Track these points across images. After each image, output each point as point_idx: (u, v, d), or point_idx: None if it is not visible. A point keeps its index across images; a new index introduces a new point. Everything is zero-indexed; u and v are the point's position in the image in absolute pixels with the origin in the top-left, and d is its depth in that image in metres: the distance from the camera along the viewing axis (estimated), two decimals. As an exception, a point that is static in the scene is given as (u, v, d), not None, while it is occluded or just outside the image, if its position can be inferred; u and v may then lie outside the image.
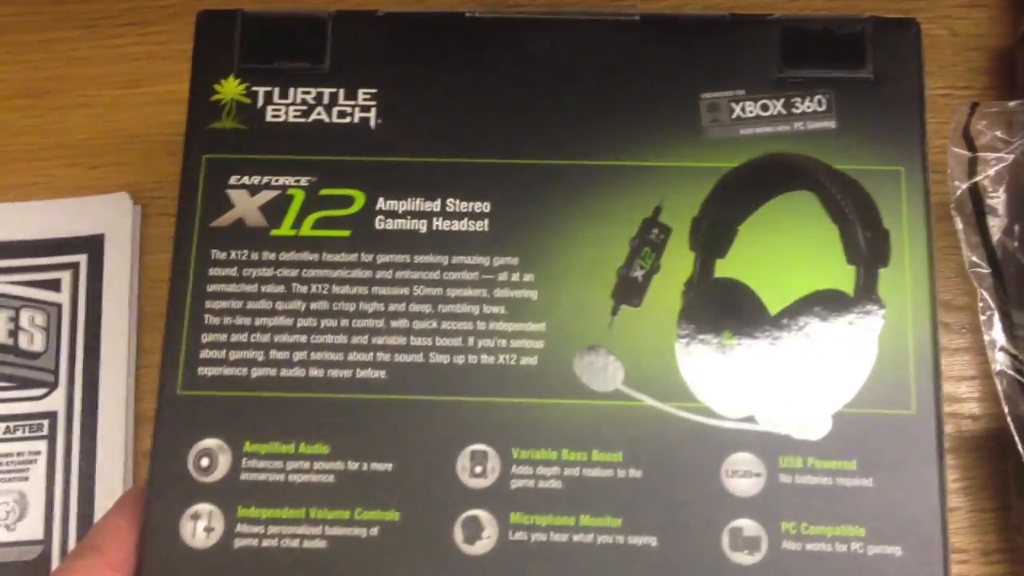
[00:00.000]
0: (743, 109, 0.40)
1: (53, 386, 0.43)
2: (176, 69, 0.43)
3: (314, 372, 0.39)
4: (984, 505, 0.45)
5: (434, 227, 0.40)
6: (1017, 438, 0.42)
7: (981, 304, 0.44)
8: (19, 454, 0.43)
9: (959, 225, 0.45)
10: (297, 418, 0.38)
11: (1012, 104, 0.45)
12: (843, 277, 0.39)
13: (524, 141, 0.40)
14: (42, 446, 0.43)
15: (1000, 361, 0.43)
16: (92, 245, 0.45)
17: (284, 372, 0.39)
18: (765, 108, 0.40)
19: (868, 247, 0.39)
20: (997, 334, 0.43)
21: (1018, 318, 0.43)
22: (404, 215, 0.40)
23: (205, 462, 0.38)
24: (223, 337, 0.39)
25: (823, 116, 0.40)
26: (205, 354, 0.39)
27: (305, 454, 0.38)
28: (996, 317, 0.43)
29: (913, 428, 0.37)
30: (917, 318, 0.38)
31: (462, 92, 0.41)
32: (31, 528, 0.42)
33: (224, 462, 0.38)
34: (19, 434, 0.43)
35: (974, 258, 0.45)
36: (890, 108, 0.40)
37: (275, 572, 0.37)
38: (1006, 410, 0.42)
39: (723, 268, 0.39)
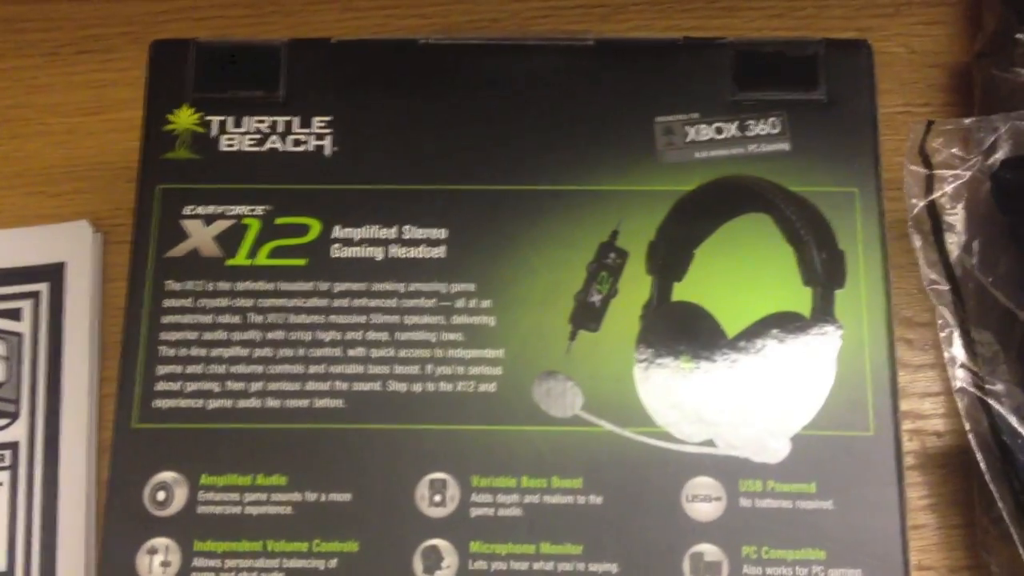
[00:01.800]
0: (698, 132, 0.40)
1: (15, 416, 0.43)
2: (137, 96, 0.42)
3: (271, 403, 0.38)
4: (951, 522, 0.45)
5: (391, 254, 0.40)
6: (979, 455, 0.42)
7: (940, 321, 0.44)
8: (-21, 485, 0.42)
9: (917, 243, 0.45)
10: (254, 449, 0.38)
11: (967, 121, 0.45)
12: (799, 299, 0.39)
13: (480, 167, 0.40)
14: (3, 477, 0.43)
15: (960, 378, 0.43)
16: (53, 274, 0.45)
17: (241, 403, 0.38)
18: (719, 131, 0.40)
19: (824, 268, 0.39)
20: (957, 351, 0.43)
21: (977, 335, 0.44)
22: (360, 243, 0.40)
23: (161, 496, 0.37)
24: (179, 369, 0.39)
25: (777, 138, 0.40)
26: (161, 386, 0.38)
27: (262, 486, 0.37)
28: (956, 334, 0.44)
29: (872, 449, 0.37)
30: (874, 338, 0.39)
31: (417, 119, 0.41)
32: (-7, 559, 0.42)
33: (180, 495, 0.37)
34: (-20, 465, 0.43)
35: (932, 275, 0.45)
36: (843, 129, 0.40)
37: (232, 606, 0.36)
38: (967, 427, 0.42)
39: (680, 291, 0.39)
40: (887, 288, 0.39)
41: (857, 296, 0.39)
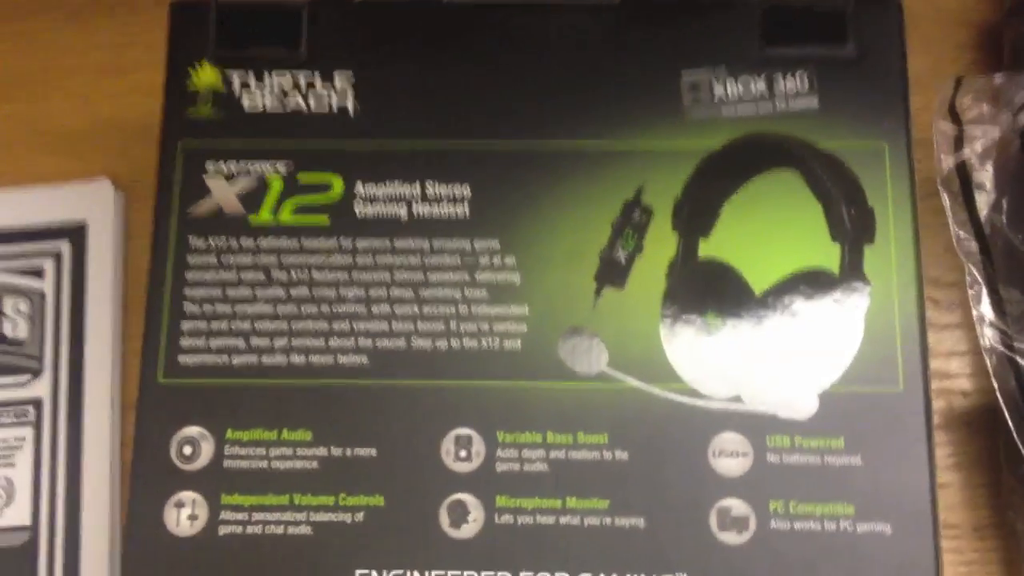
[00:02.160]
0: (725, 88, 0.40)
1: (38, 373, 0.43)
2: (157, 58, 0.42)
3: (296, 359, 0.38)
4: (976, 481, 0.45)
5: (414, 212, 0.40)
6: (1006, 413, 0.41)
7: (969, 279, 0.43)
8: (4, 440, 0.43)
9: (946, 201, 0.45)
10: (279, 405, 0.38)
11: (997, 78, 0.44)
12: (828, 256, 0.38)
13: (504, 124, 0.40)
14: (28, 432, 0.43)
15: (989, 336, 0.43)
16: (75, 232, 0.45)
17: (265, 359, 0.38)
18: (747, 87, 0.40)
19: (853, 225, 0.39)
20: (985, 309, 0.43)
21: (1006, 293, 0.43)
22: (384, 200, 0.40)
23: (188, 450, 0.37)
24: (203, 325, 0.39)
25: (805, 95, 0.40)
26: (186, 342, 0.38)
27: (288, 441, 0.37)
28: (984, 292, 0.43)
29: (901, 405, 0.37)
30: (903, 295, 0.38)
31: (440, 77, 0.41)
32: (18, 514, 0.42)
33: (207, 450, 0.37)
34: (4, 420, 0.43)
35: (962, 234, 0.44)
36: (873, 85, 0.40)
37: (260, 558, 0.36)
38: (995, 385, 0.42)
39: (707, 248, 0.39)
40: (916, 244, 0.39)
41: (886, 252, 0.38)
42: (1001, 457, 0.44)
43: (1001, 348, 0.42)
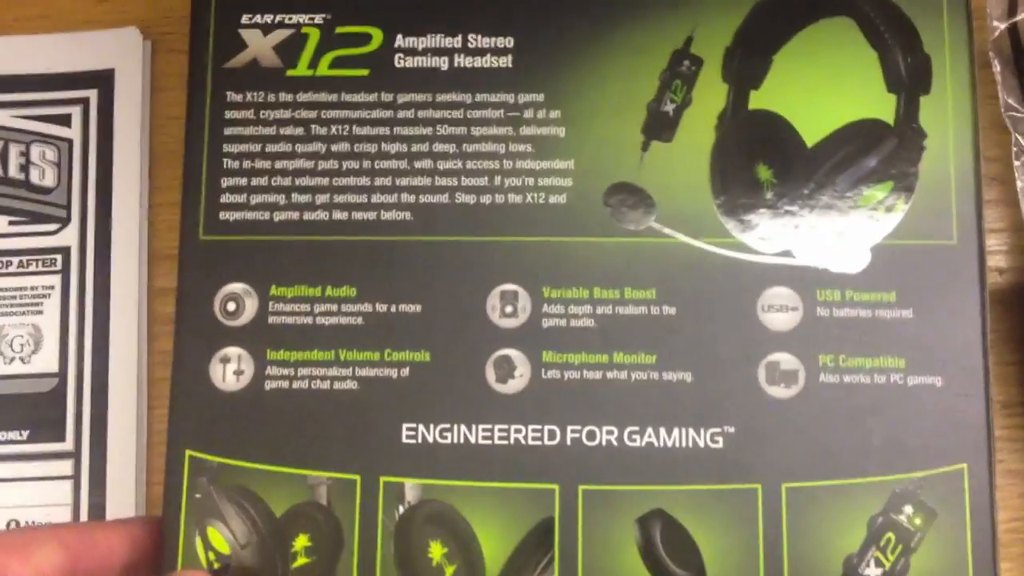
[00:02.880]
0: (779, -69, 0.38)
1: (66, 222, 0.43)
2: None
3: (338, 215, 0.38)
4: (1007, 358, 0.44)
5: (455, 64, 0.38)
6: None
7: (1015, 149, 0.42)
8: (33, 288, 0.42)
9: (996, 68, 0.43)
10: (323, 261, 0.37)
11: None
12: (883, 106, 0.37)
13: (549, -29, 0.39)
14: (55, 280, 0.43)
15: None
16: (102, 80, 0.44)
17: (307, 215, 0.38)
18: (802, -71, 0.38)
19: (909, 74, 0.37)
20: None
21: (1051, 162, 0.42)
22: (424, 52, 0.38)
23: (232, 306, 0.37)
24: (243, 181, 0.38)
25: (863, -64, 0.38)
26: (226, 198, 0.38)
27: (332, 297, 0.37)
28: (1030, 162, 0.42)
29: (954, 258, 0.36)
30: (959, 147, 0.37)
31: (483, -80, 0.39)
32: (46, 361, 0.42)
33: (251, 306, 0.37)
34: (32, 268, 0.42)
35: (1010, 100, 0.43)
36: (933, -73, 0.38)
37: (307, 413, 0.36)
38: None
39: (757, 100, 0.38)
40: (974, 94, 0.37)
41: (943, 102, 0.37)
42: (1034, 333, 0.44)
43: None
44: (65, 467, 0.43)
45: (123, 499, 0.42)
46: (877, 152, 0.37)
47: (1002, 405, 0.44)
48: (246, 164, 0.38)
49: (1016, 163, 0.43)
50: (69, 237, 0.43)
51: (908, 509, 0.35)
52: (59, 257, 0.43)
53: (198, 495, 0.36)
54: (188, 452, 0.36)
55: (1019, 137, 0.43)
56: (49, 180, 0.43)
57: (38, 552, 0.33)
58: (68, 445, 0.43)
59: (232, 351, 0.37)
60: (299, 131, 0.38)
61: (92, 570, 0.34)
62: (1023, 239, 0.42)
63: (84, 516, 0.42)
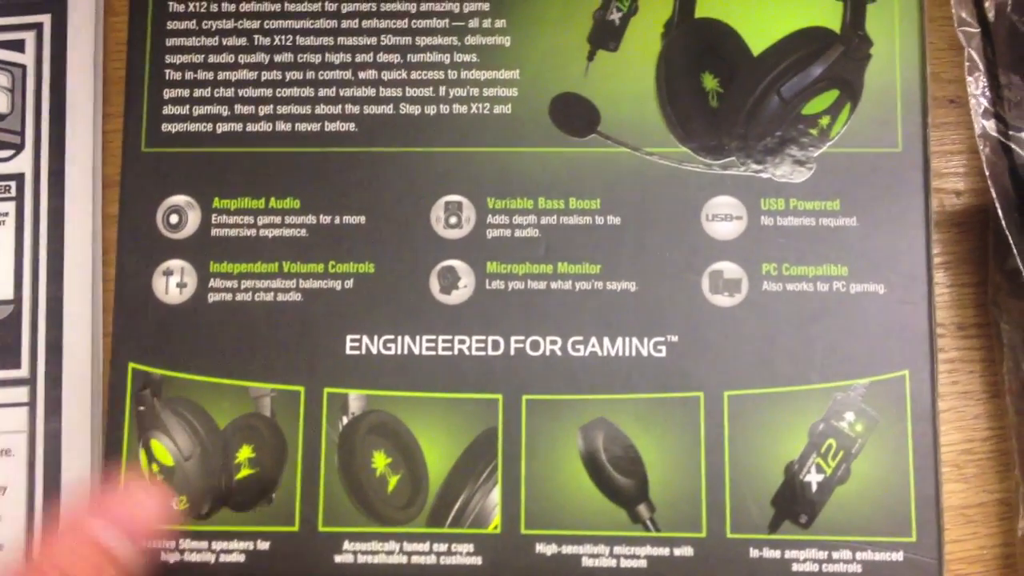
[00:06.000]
0: None
1: (19, 148, 0.42)
2: None
3: (281, 126, 0.37)
4: (963, 280, 0.44)
5: (401, -26, 0.38)
6: (997, 203, 0.40)
7: (968, 65, 0.42)
8: (-13, 215, 0.42)
9: (948, -21, 0.43)
10: (266, 173, 0.37)
11: None
12: (829, 13, 0.37)
13: None
14: (10, 207, 0.42)
15: (985, 125, 0.41)
16: (55, 4, 0.43)
17: (250, 127, 0.37)
18: None
19: (856, -19, 0.37)
20: (983, 95, 0.42)
21: (1006, 79, 0.42)
22: (369, -38, 0.38)
23: (174, 219, 0.37)
24: (185, 92, 0.38)
25: None
26: (168, 110, 0.38)
27: (276, 209, 0.37)
28: (983, 78, 0.42)
29: (899, 165, 0.36)
30: (905, 54, 0.37)
31: None
32: (1, 287, 0.42)
33: (193, 219, 0.37)
34: (-13, 195, 0.42)
35: (963, 14, 0.43)
36: None
37: (251, 325, 0.36)
38: (987, 172, 0.41)
39: (704, 8, 0.37)
40: (921, 4, 0.37)
41: (890, 10, 0.37)
42: (990, 253, 0.43)
43: (996, 135, 0.41)
44: (21, 394, 0.43)
45: (79, 426, 0.42)
46: (823, 60, 0.37)
47: (957, 327, 0.44)
48: (188, 75, 0.38)
49: (969, 79, 0.43)
50: (23, 164, 0.42)
51: (849, 416, 0.35)
52: (13, 184, 0.42)
53: (141, 407, 0.36)
54: (131, 364, 0.36)
55: (972, 52, 0.43)
56: (2, 106, 0.42)
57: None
58: (23, 372, 0.43)
59: (175, 263, 0.37)
60: (242, 41, 0.38)
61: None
62: (979, 161, 0.42)
63: (40, 443, 0.42)
